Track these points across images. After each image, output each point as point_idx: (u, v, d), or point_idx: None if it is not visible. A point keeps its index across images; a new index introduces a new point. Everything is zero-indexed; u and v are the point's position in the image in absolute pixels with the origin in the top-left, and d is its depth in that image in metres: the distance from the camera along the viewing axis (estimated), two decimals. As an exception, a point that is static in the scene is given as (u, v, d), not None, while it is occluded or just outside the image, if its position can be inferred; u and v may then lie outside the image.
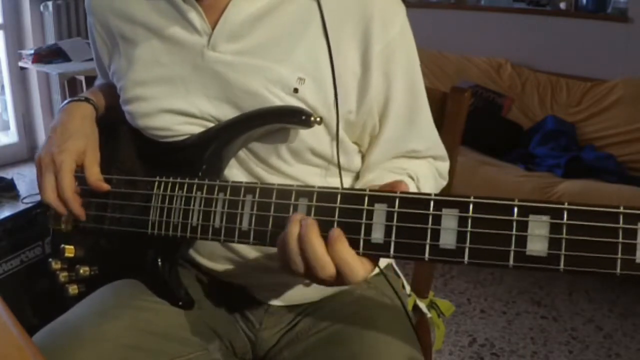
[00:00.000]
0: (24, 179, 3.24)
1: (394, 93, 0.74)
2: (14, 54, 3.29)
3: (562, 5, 3.02)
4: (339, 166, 0.75)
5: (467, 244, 0.50)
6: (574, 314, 2.12)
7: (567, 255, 0.46)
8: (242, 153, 0.75)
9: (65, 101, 0.85)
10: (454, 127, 0.93)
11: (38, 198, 0.91)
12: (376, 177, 0.76)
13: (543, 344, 1.94)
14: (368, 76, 0.72)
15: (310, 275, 0.57)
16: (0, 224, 1.20)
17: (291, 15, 0.72)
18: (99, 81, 0.97)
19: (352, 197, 0.56)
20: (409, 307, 0.91)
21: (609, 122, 2.64)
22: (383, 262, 0.89)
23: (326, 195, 0.58)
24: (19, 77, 3.43)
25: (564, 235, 0.46)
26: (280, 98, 0.70)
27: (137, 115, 0.77)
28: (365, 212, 0.55)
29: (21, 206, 2.83)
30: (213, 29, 0.73)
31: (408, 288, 0.93)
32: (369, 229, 0.55)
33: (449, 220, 0.51)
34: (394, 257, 0.55)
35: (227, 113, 0.73)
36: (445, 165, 0.84)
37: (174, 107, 0.75)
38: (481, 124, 2.65)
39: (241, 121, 0.72)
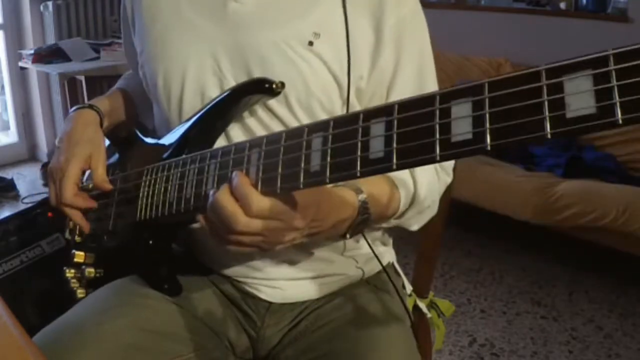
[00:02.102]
0: (24, 179, 3.25)
1: (403, 68, 0.76)
2: (14, 54, 3.29)
3: (562, 5, 3.03)
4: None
5: (394, 146, 0.48)
6: (574, 314, 2.12)
7: (493, 129, 0.43)
8: (249, 115, 0.76)
9: (71, 109, 0.87)
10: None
11: (38, 198, 0.91)
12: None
13: (543, 344, 1.94)
14: (380, 45, 0.75)
15: (223, 230, 0.58)
16: (0, 224, 1.20)
17: None
18: (121, 81, 0.99)
19: (293, 134, 0.56)
20: (409, 307, 0.91)
21: (609, 122, 2.64)
22: (385, 260, 0.88)
23: (273, 139, 0.58)
24: (19, 77, 3.43)
25: (487, 110, 0.43)
26: (294, 50, 0.73)
27: (159, 59, 0.79)
28: (304, 143, 0.55)
29: (21, 206, 2.83)
30: None
31: (409, 288, 0.93)
32: (308, 159, 0.54)
33: (377, 128, 0.49)
34: (331, 181, 0.52)
35: (243, 65, 0.74)
36: (449, 161, 0.83)
37: (194, 56, 0.76)
38: (481, 124, 2.65)
39: (213, 109, 0.75)
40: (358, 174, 0.50)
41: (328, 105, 0.75)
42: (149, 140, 0.85)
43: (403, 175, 0.75)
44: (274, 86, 0.71)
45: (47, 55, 3.01)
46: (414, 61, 0.77)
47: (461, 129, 0.44)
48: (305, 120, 0.75)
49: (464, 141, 0.44)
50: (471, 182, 2.34)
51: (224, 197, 0.58)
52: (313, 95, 0.74)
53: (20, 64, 3.15)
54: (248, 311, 0.83)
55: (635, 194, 2.15)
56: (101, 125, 0.86)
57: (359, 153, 0.50)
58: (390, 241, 0.91)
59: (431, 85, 0.79)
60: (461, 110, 0.45)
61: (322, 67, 0.73)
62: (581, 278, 2.36)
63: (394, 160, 0.48)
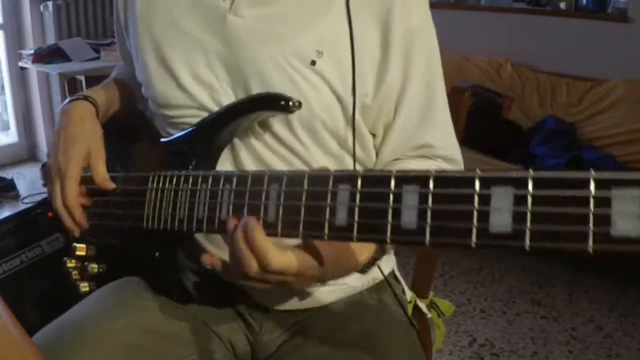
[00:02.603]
0: (24, 179, 3.25)
1: (410, 81, 0.74)
2: (14, 54, 3.29)
3: (562, 5, 3.03)
4: (354, 145, 0.74)
5: (428, 222, 0.46)
6: (574, 314, 2.12)
7: (533, 230, 0.41)
8: (256, 140, 0.74)
9: (65, 101, 0.84)
10: (454, 127, 0.93)
11: (38, 198, 0.91)
12: None
13: (543, 344, 1.94)
14: (387, 60, 0.72)
15: (238, 274, 0.57)
16: (0, 224, 1.20)
17: None
18: (115, 71, 0.97)
19: (318, 179, 0.54)
20: (409, 308, 0.90)
21: (609, 122, 2.64)
22: (386, 268, 0.88)
23: (295, 179, 0.56)
24: (19, 77, 3.43)
25: (529, 208, 0.42)
26: (296, 69, 0.70)
27: (154, 82, 0.76)
28: (329, 193, 0.53)
29: (21, 206, 2.83)
30: None
31: (409, 294, 0.93)
32: (333, 211, 0.52)
33: (410, 197, 0.48)
34: (358, 240, 0.51)
35: (241, 81, 0.72)
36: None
37: (189, 68, 0.74)
38: (481, 124, 2.65)
39: (220, 116, 0.72)
40: (388, 241, 0.49)
41: (331, 124, 0.73)
42: (152, 138, 0.83)
43: None
44: (290, 104, 0.67)
45: (47, 55, 3.01)
46: (423, 74, 0.74)
47: (500, 221, 0.43)
48: (307, 140, 0.73)
49: (503, 234, 0.43)
50: (471, 182, 2.34)
51: (240, 245, 0.56)
52: (316, 115, 0.72)
53: (20, 64, 3.14)
54: (246, 315, 0.82)
55: (635, 194, 2.14)
56: (98, 115, 0.83)
57: (389, 219, 0.48)
58: (392, 250, 0.90)
59: (440, 97, 0.77)
60: (502, 202, 0.43)
61: (324, 87, 0.71)
62: (581, 278, 2.36)
63: (427, 238, 0.46)
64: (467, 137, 0.99)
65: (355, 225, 0.51)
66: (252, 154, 0.74)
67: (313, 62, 0.70)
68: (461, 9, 3.30)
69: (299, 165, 0.74)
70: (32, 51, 3.01)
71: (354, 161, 0.75)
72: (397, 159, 0.78)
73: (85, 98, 0.83)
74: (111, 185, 0.78)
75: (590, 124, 2.71)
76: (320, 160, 0.75)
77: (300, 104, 0.67)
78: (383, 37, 0.71)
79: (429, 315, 0.95)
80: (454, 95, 0.94)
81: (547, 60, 2.96)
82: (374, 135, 0.79)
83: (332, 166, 0.76)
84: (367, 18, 0.71)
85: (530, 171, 0.42)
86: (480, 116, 2.72)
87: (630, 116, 2.57)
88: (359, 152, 0.77)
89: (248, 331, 0.83)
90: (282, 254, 0.55)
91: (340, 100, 0.72)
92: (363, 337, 0.75)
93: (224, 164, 0.75)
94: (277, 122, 0.72)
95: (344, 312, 0.80)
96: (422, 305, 0.95)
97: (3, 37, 3.32)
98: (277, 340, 0.81)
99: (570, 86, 2.82)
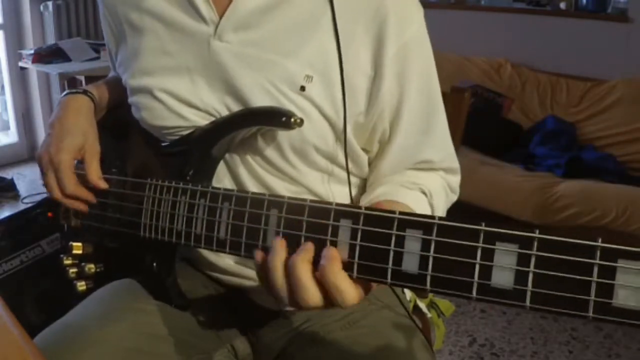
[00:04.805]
0: (24, 179, 3.24)
1: (407, 98, 0.71)
2: (14, 54, 3.29)
3: (562, 5, 3.02)
4: (347, 166, 0.73)
5: (429, 271, 0.47)
6: (574, 314, 2.12)
7: (535, 292, 0.42)
8: (250, 157, 0.73)
9: (63, 93, 0.83)
10: (454, 127, 0.92)
11: (38, 198, 0.91)
12: (387, 192, 0.71)
13: (543, 344, 1.94)
14: (380, 78, 0.69)
15: (294, 302, 0.54)
16: (0, 224, 1.20)
17: (302, 9, 0.69)
18: (111, 74, 0.96)
19: (319, 210, 0.54)
20: (410, 308, 0.90)
21: (609, 122, 2.64)
22: None
23: (295, 207, 0.55)
24: (19, 77, 3.43)
25: (532, 269, 0.42)
26: (285, 95, 0.68)
27: (142, 107, 0.76)
28: (330, 227, 0.52)
29: (21, 206, 2.83)
30: (221, 18, 0.70)
31: (408, 294, 0.93)
32: (334, 246, 0.52)
33: (412, 243, 0.48)
34: (358, 279, 0.51)
35: (230, 106, 0.71)
36: (456, 179, 0.80)
37: (176, 93, 0.73)
38: (481, 124, 2.65)
39: (219, 125, 0.71)
40: (389, 283, 0.49)
41: (324, 147, 0.71)
42: (149, 139, 0.82)
43: (423, 207, 0.70)
44: (292, 120, 0.64)
45: (47, 55, 3.01)
46: (420, 88, 0.72)
47: (502, 279, 0.43)
48: (299, 163, 0.72)
49: (503, 291, 0.43)
50: (471, 182, 2.34)
51: (306, 275, 0.52)
52: (307, 141, 0.70)
53: (20, 64, 3.14)
54: (247, 317, 0.82)
55: (635, 194, 2.15)
56: (96, 110, 0.83)
57: (390, 264, 0.49)
58: None
59: (438, 108, 0.74)
60: (505, 259, 0.43)
61: (315, 112, 0.69)
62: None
63: (428, 285, 0.47)
64: (467, 137, 0.99)
65: (356, 265, 0.51)
66: (250, 172, 0.74)
67: (302, 88, 0.68)
68: (461, 9, 3.30)
69: (292, 182, 0.74)
70: (32, 51, 3.01)
71: (348, 177, 0.74)
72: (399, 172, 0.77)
73: (84, 92, 0.83)
74: (104, 185, 0.78)
75: (590, 124, 2.71)
76: (310, 175, 0.74)
77: (302, 121, 0.65)
78: (375, 53, 0.69)
79: (429, 315, 0.95)
80: (454, 95, 0.94)
81: (547, 60, 2.96)
82: (366, 151, 0.77)
83: (322, 179, 0.75)
84: (359, 34, 0.68)
85: (537, 231, 0.42)
86: (480, 116, 2.73)
87: (630, 116, 2.57)
88: (350, 165, 0.75)
89: (249, 333, 0.83)
90: (356, 290, 0.52)
91: (331, 123, 0.70)
92: (368, 337, 0.75)
93: (223, 180, 0.75)
94: (268, 148, 0.71)
95: (346, 312, 0.79)
96: (422, 305, 0.95)
97: (3, 37, 3.31)
98: (279, 342, 0.80)
99: (570, 86, 2.82)
